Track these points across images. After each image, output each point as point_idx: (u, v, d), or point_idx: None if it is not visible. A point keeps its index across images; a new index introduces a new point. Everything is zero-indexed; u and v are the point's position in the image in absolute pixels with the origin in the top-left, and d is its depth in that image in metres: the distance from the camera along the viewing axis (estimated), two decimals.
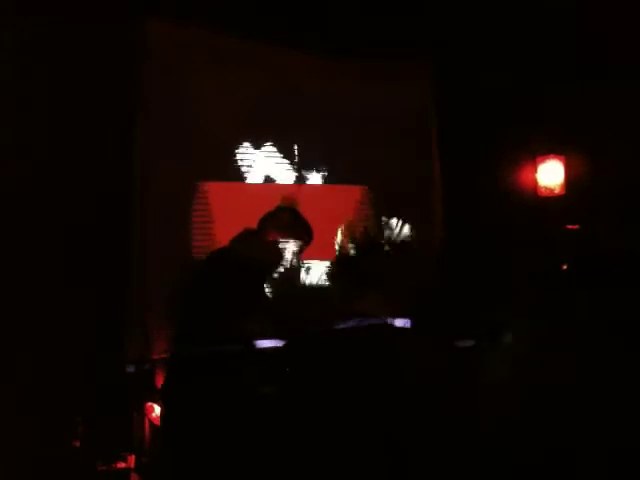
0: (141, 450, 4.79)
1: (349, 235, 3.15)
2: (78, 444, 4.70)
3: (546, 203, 6.32)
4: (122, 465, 4.78)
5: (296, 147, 6.26)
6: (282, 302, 3.57)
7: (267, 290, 3.57)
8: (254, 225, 3.99)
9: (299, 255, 3.60)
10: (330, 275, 3.73)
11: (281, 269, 3.69)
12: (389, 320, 3.40)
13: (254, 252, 3.45)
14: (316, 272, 5.56)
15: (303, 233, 3.60)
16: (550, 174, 6.35)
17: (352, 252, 3.45)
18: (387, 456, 3.14)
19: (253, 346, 3.26)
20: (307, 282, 5.68)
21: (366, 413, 3.08)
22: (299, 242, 3.56)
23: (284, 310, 3.48)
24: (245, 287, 3.32)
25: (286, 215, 3.67)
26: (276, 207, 3.71)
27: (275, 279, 3.69)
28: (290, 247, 3.54)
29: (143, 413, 4.86)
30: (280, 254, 3.51)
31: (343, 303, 3.37)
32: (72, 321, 4.90)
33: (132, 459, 4.81)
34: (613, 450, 2.66)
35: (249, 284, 3.34)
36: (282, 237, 3.53)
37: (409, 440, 3.02)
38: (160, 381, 4.24)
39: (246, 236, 3.59)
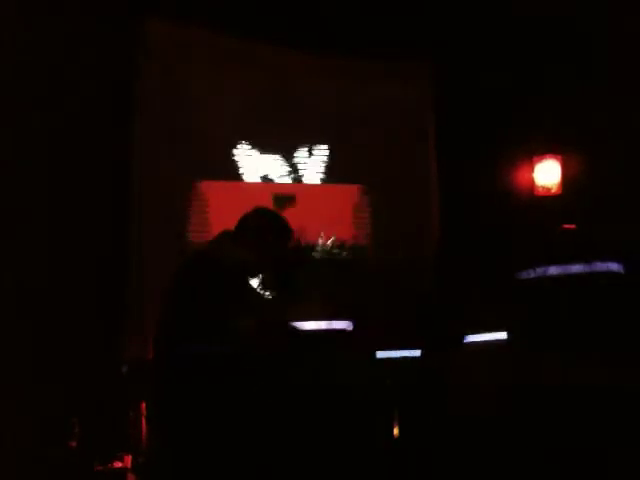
0: (138, 450, 4.80)
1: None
2: (75, 444, 4.71)
3: (543, 202, 6.32)
4: (119, 465, 4.80)
5: (295, 147, 6.27)
6: (264, 303, 3.57)
7: (248, 291, 3.57)
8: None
9: (279, 256, 3.59)
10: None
11: (261, 271, 3.69)
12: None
13: (231, 254, 3.45)
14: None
15: (282, 236, 3.58)
16: (547, 174, 6.35)
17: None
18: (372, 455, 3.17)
19: (237, 346, 3.26)
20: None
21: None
22: (278, 244, 3.55)
23: (266, 311, 3.49)
24: (222, 289, 3.32)
25: (264, 218, 3.64)
26: (254, 209, 3.70)
27: (256, 280, 3.69)
28: (268, 249, 3.53)
29: (140, 413, 4.86)
30: (258, 256, 3.50)
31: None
32: (69, 322, 4.92)
33: (129, 459, 4.82)
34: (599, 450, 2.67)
35: (227, 286, 3.35)
36: (260, 239, 3.52)
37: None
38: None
39: (224, 238, 3.59)
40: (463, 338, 3.70)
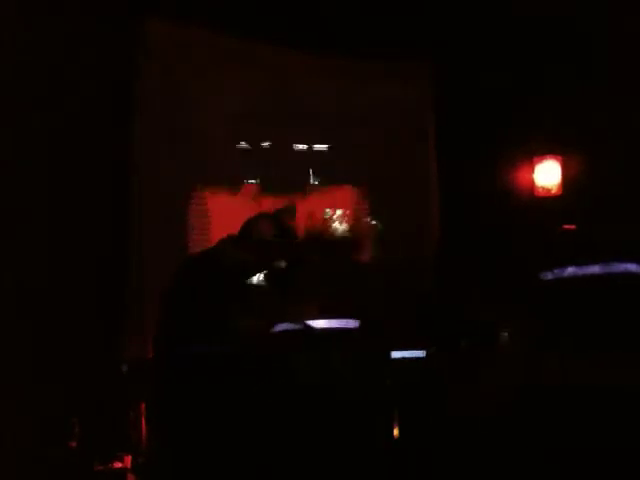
0: (138, 450, 4.80)
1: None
2: (75, 444, 4.71)
3: (543, 203, 6.32)
4: (119, 465, 4.80)
5: (295, 147, 6.27)
6: (263, 304, 3.59)
7: (248, 293, 3.59)
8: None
9: (281, 260, 3.62)
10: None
11: (262, 274, 3.71)
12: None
13: (232, 256, 3.47)
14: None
15: (284, 241, 3.63)
16: (547, 174, 6.36)
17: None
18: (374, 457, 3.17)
19: (237, 346, 3.28)
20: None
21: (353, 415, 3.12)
22: (280, 248, 3.58)
23: (265, 312, 3.51)
24: (223, 289, 3.35)
25: (267, 223, 3.68)
26: (257, 214, 3.75)
27: (256, 283, 3.72)
28: (269, 253, 3.56)
29: (140, 413, 4.86)
30: (258, 259, 3.53)
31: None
32: (69, 322, 4.91)
33: (129, 459, 4.82)
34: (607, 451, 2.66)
35: (227, 286, 3.37)
36: (263, 244, 3.55)
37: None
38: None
39: (225, 241, 3.62)
40: (463, 338, 3.70)
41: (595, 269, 2.91)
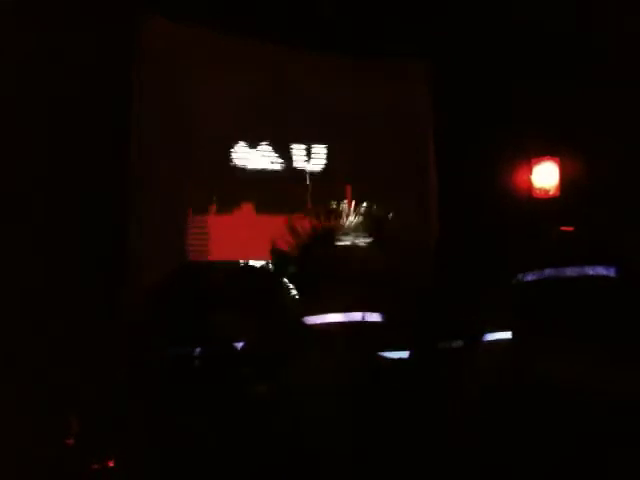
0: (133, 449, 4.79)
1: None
2: (72, 442, 4.71)
3: (541, 204, 6.33)
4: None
5: (295, 147, 6.28)
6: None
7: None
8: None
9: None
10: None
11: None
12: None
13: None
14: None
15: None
16: (545, 176, 6.37)
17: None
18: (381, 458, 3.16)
19: (233, 347, 3.29)
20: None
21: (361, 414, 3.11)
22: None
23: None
24: (219, 290, 3.38)
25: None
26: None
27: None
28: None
29: (137, 412, 4.86)
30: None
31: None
32: (68, 320, 4.92)
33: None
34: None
35: (222, 287, 3.40)
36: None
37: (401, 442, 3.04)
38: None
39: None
40: (463, 338, 3.70)
41: (592, 270, 2.91)
